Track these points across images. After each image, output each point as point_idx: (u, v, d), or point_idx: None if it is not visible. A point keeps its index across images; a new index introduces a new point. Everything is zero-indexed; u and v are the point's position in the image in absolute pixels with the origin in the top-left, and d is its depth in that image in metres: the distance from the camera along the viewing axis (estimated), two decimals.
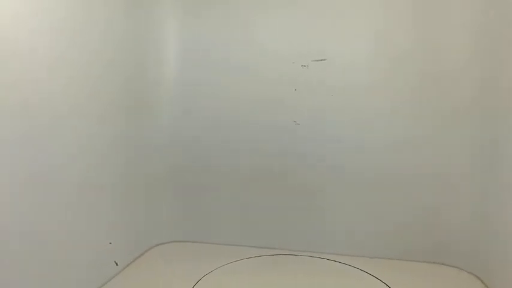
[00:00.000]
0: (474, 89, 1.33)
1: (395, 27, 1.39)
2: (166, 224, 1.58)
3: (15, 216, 0.93)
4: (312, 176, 1.49)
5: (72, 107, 1.11)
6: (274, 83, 1.47)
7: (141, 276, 1.34)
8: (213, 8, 1.50)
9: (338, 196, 1.48)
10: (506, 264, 1.19)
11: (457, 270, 1.39)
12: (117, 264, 1.34)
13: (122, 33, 1.33)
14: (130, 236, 1.44)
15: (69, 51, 1.09)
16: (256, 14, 1.48)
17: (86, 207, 1.19)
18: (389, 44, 1.40)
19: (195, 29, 1.51)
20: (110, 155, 1.30)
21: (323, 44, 1.43)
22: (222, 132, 1.53)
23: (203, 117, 1.54)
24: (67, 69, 1.09)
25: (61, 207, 1.08)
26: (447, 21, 1.35)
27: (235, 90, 1.50)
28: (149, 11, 1.47)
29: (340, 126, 1.45)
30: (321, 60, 1.42)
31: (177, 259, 1.47)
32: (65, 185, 1.09)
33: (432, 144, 1.40)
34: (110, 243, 1.30)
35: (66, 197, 1.10)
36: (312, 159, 1.48)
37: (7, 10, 0.89)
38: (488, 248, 1.30)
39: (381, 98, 1.42)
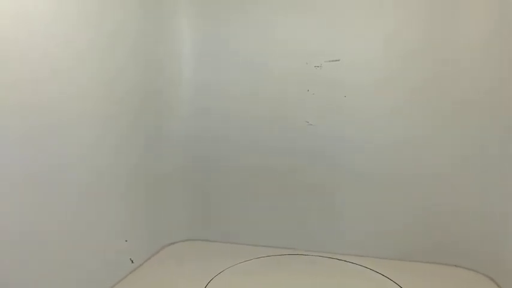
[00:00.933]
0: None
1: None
2: (179, 222, 1.57)
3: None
4: (319, 176, 1.47)
5: (84, 107, 1.10)
6: (287, 83, 1.46)
7: (155, 275, 1.33)
8: (227, 7, 1.49)
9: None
10: None
11: (472, 272, 1.35)
12: (132, 262, 1.33)
13: (136, 33, 1.32)
14: (144, 235, 1.43)
15: (83, 51, 1.09)
16: (270, 14, 1.46)
17: (101, 206, 1.19)
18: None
19: (209, 29, 1.50)
20: (122, 154, 1.29)
21: (334, 44, 1.41)
22: (234, 132, 1.52)
23: (216, 116, 1.53)
24: (79, 69, 1.08)
25: (73, 206, 1.08)
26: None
27: (248, 89, 1.49)
28: (164, 10, 1.46)
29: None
30: (335, 60, 1.40)
31: (190, 258, 1.46)
32: (76, 185, 1.08)
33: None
34: (126, 240, 1.31)
35: (76, 196, 1.09)
36: (320, 159, 1.46)
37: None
38: (501, 249, 1.27)
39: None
